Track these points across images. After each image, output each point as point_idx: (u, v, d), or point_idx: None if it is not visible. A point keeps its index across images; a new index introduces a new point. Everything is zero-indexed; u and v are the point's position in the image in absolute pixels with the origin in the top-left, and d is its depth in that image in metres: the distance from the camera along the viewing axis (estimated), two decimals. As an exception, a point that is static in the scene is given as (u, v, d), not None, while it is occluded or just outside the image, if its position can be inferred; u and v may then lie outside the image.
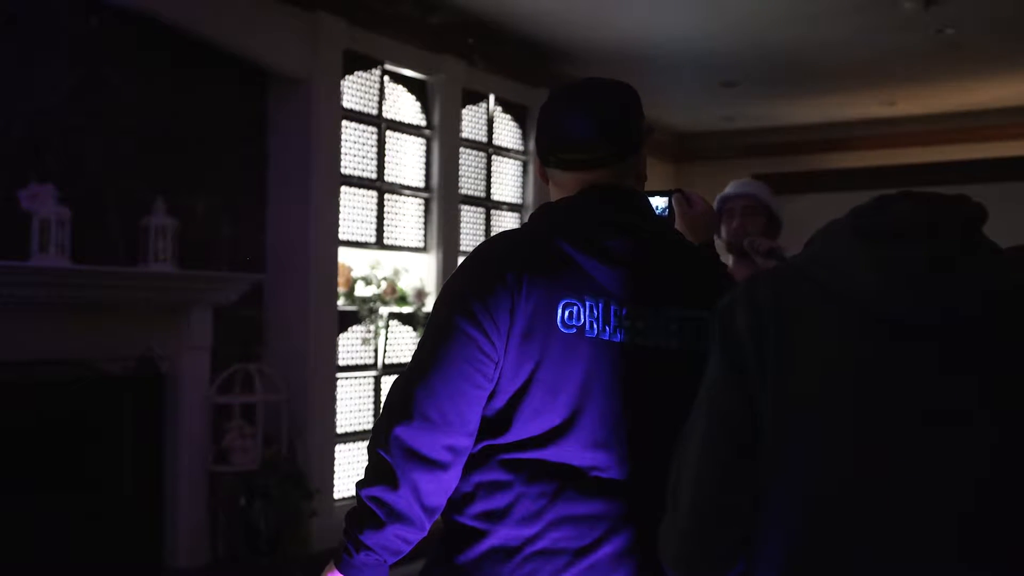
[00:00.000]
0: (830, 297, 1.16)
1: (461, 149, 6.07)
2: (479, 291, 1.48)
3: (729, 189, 3.03)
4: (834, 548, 1.11)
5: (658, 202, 1.73)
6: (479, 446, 1.50)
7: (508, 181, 6.59)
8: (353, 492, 5.46)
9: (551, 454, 1.47)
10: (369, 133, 5.46)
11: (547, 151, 1.62)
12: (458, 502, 1.51)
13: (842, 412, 1.13)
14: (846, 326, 1.14)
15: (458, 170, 6.00)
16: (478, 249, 1.58)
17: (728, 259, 2.97)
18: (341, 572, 1.49)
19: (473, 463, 1.50)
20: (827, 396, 1.14)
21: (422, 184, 5.81)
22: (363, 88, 5.42)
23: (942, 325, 1.09)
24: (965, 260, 1.10)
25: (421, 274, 5.77)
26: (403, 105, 5.73)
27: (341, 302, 5.23)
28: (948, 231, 1.11)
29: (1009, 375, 1.06)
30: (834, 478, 1.12)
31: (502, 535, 1.48)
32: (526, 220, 1.59)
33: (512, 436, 1.48)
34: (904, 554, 1.08)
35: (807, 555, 1.13)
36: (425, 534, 1.50)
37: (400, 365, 5.61)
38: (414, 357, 1.51)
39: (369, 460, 1.50)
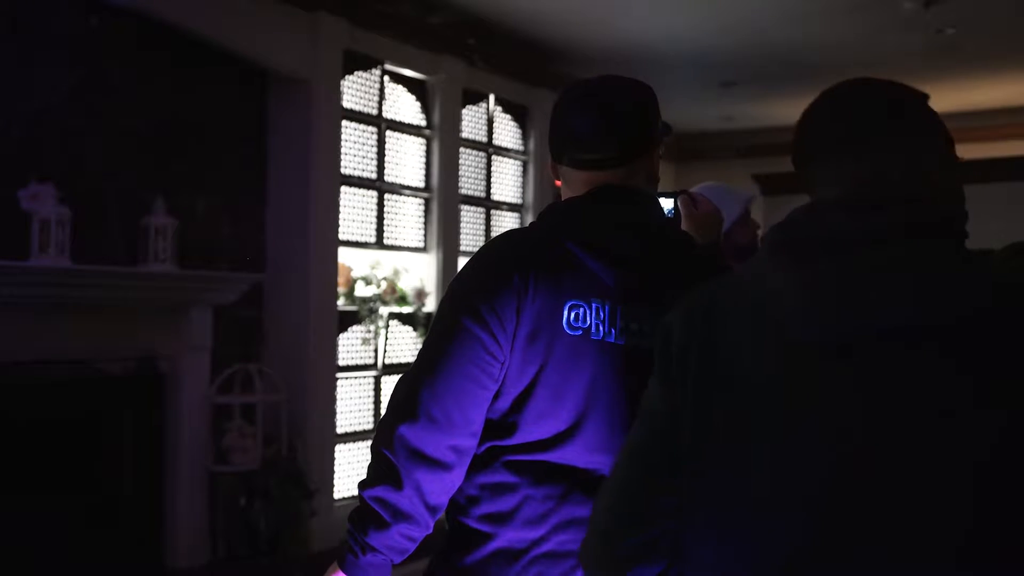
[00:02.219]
0: (758, 315, 1.15)
1: (461, 149, 6.07)
2: (485, 291, 1.47)
3: (737, 195, 2.99)
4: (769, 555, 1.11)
5: (664, 204, 1.72)
6: (484, 447, 1.49)
7: (508, 181, 6.59)
8: (353, 492, 5.44)
9: (557, 456, 1.47)
10: (369, 133, 5.46)
11: (559, 149, 1.60)
12: (463, 504, 1.51)
13: (765, 432, 1.12)
14: (771, 345, 1.13)
15: (458, 170, 6.00)
16: (484, 249, 1.57)
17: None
18: (346, 573, 1.49)
19: (478, 464, 1.50)
20: (751, 417, 1.13)
21: (422, 184, 5.81)
22: (363, 88, 5.42)
23: (867, 341, 1.06)
24: (904, 270, 1.07)
25: (421, 274, 5.77)
26: (403, 105, 5.73)
27: (341, 302, 5.23)
28: (890, 240, 1.08)
29: (937, 393, 1.04)
30: (749, 502, 1.12)
31: (508, 537, 1.47)
32: (526, 220, 1.59)
33: (517, 438, 1.47)
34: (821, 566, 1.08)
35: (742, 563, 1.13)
36: (430, 531, 1.50)
37: (400, 365, 5.61)
38: (419, 356, 1.51)
39: (372, 459, 1.49)
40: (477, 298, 1.47)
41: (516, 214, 6.61)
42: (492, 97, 6.38)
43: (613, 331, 1.47)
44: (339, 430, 5.26)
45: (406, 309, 5.59)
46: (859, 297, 1.07)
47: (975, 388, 1.04)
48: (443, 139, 5.86)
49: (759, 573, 1.11)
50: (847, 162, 1.20)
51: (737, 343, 1.16)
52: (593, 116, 1.56)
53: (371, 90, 5.47)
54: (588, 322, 1.47)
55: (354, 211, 5.36)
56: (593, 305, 1.47)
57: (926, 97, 1.27)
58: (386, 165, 5.56)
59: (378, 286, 5.38)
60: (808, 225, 1.14)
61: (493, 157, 6.44)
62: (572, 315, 1.46)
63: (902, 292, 1.06)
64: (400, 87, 5.71)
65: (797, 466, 1.09)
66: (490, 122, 6.40)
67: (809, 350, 1.09)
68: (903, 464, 1.04)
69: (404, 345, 5.70)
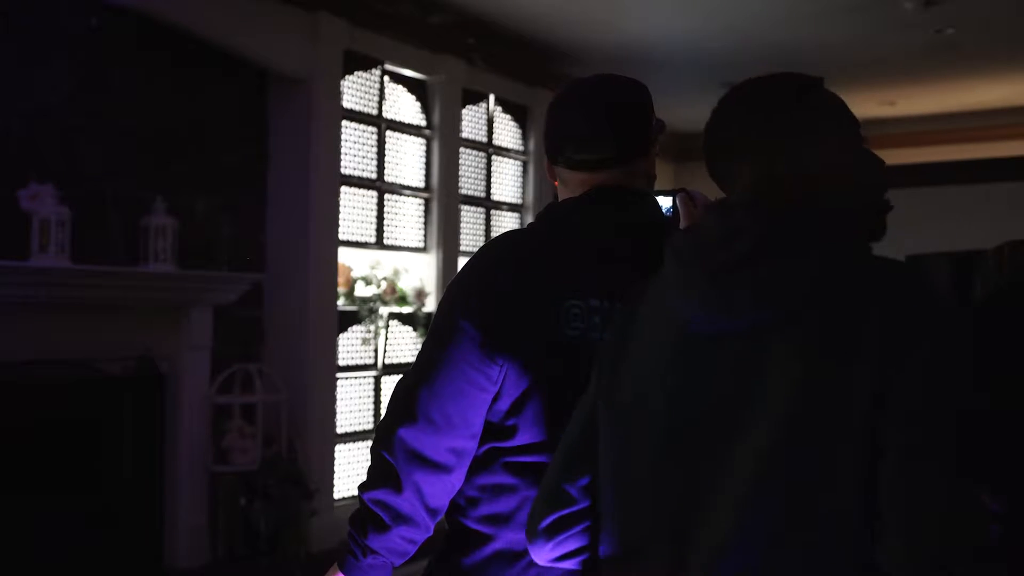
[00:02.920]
0: (657, 310, 1.25)
1: (461, 149, 6.07)
2: (483, 292, 1.47)
3: None
4: (635, 532, 1.21)
5: (663, 202, 1.72)
6: (484, 448, 1.49)
7: (508, 181, 6.59)
8: (353, 492, 5.42)
9: None
10: (369, 133, 5.46)
11: (556, 150, 1.60)
12: (463, 505, 1.51)
13: (645, 423, 1.21)
14: (658, 337, 1.23)
15: (458, 170, 6.00)
16: (482, 250, 1.57)
17: None
18: (346, 575, 1.49)
19: (478, 465, 1.49)
20: (637, 405, 1.23)
21: (422, 184, 5.81)
22: (363, 88, 5.42)
23: (732, 331, 1.14)
24: (750, 266, 1.13)
25: (421, 274, 5.77)
26: (403, 105, 5.73)
27: (341, 302, 5.23)
28: (741, 240, 1.15)
29: (784, 379, 1.09)
30: (638, 490, 1.21)
31: (507, 539, 1.47)
32: (527, 220, 1.59)
33: (517, 440, 1.47)
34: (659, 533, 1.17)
35: (621, 537, 1.23)
36: (430, 534, 1.50)
37: (400, 365, 5.61)
38: (418, 358, 1.51)
39: (372, 462, 1.50)
40: (475, 299, 1.47)
41: (516, 214, 6.61)
42: (492, 97, 6.38)
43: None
44: (339, 430, 5.26)
45: (406, 309, 5.59)
46: (714, 295, 1.16)
47: (758, 391, 1.10)
48: (443, 139, 5.86)
49: (633, 552, 1.21)
50: (732, 165, 1.26)
51: (641, 335, 1.26)
52: (591, 116, 1.56)
53: (371, 90, 5.47)
54: (586, 322, 1.46)
55: (354, 211, 5.36)
56: (591, 304, 1.47)
57: (818, 84, 1.29)
58: (386, 165, 5.56)
59: (378, 286, 5.38)
60: (689, 230, 1.27)
61: (493, 157, 6.44)
62: (570, 315, 1.46)
63: (746, 290, 1.13)
64: (400, 87, 5.71)
65: (667, 452, 1.18)
66: (490, 122, 6.40)
67: (682, 341, 1.19)
68: (696, 464, 1.14)
69: (404, 345, 5.70)
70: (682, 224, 1.74)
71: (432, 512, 1.47)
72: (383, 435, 1.47)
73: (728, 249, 1.15)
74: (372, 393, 5.52)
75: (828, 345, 1.08)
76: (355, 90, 5.36)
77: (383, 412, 1.52)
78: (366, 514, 1.47)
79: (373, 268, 5.38)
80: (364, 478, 1.51)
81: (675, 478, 1.16)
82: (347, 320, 5.32)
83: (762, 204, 1.19)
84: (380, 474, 1.47)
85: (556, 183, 1.64)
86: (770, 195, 1.21)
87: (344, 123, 5.24)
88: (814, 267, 1.11)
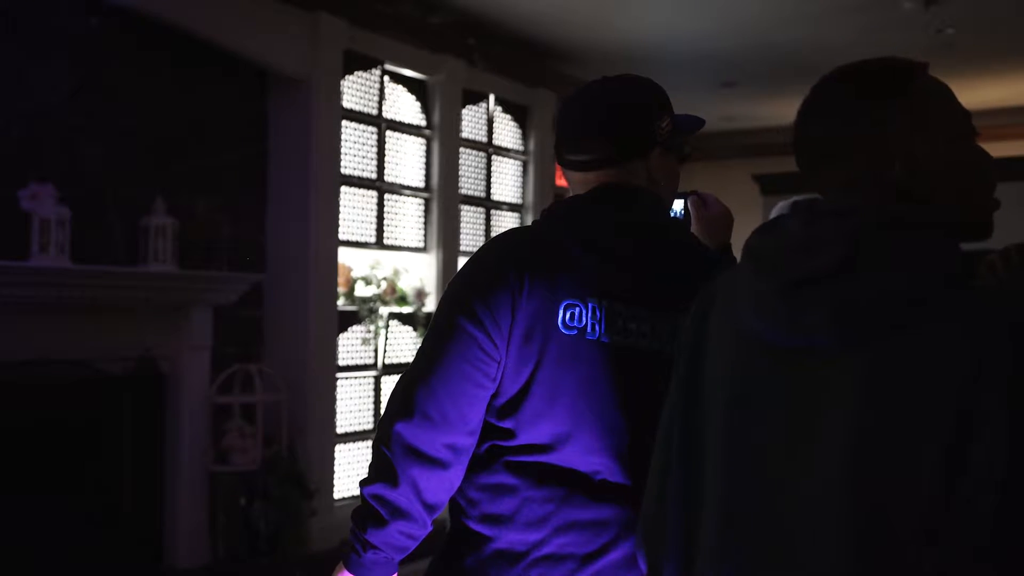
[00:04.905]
0: (727, 315, 1.18)
1: (461, 149, 6.07)
2: (481, 290, 1.47)
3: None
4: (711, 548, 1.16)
5: (674, 204, 1.72)
6: (484, 447, 1.50)
7: (508, 181, 6.59)
8: (353, 492, 5.42)
9: (556, 458, 1.47)
10: (369, 133, 5.46)
11: (556, 151, 1.63)
12: (463, 505, 1.51)
13: (714, 432, 1.17)
14: (728, 345, 1.17)
15: (458, 170, 6.00)
16: (482, 248, 1.58)
17: None
18: (350, 572, 1.50)
19: (479, 465, 1.50)
20: (709, 415, 1.18)
21: (422, 184, 5.81)
22: (363, 88, 5.42)
23: (805, 348, 1.06)
24: (829, 283, 1.04)
25: (421, 274, 5.77)
26: (403, 105, 5.73)
27: (341, 302, 5.23)
28: (824, 253, 1.05)
29: (850, 408, 1.02)
30: (718, 495, 1.16)
31: (508, 539, 1.47)
32: (526, 220, 1.60)
33: (517, 439, 1.48)
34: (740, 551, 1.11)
35: (684, 553, 1.20)
36: (429, 530, 1.50)
37: (400, 365, 5.61)
38: (417, 355, 1.52)
39: (372, 457, 1.51)
40: (473, 297, 1.47)
41: (516, 214, 6.61)
42: (492, 97, 6.38)
43: (609, 331, 1.47)
44: (339, 430, 5.26)
45: (406, 309, 5.59)
46: (785, 310, 1.07)
47: (878, 405, 1.01)
48: (443, 139, 5.86)
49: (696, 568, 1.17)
50: (830, 162, 1.15)
51: (714, 341, 1.20)
52: (583, 117, 1.58)
53: (371, 90, 5.47)
54: (584, 322, 1.46)
55: (354, 211, 5.36)
56: (590, 305, 1.47)
57: (925, 68, 1.16)
58: (386, 165, 5.56)
59: (378, 286, 5.38)
60: (769, 231, 1.15)
61: (493, 157, 6.44)
62: (568, 315, 1.46)
63: (820, 306, 1.04)
64: (400, 87, 5.71)
65: (727, 472, 1.14)
66: (490, 122, 6.40)
67: (746, 354, 1.13)
68: (760, 476, 1.09)
69: (404, 345, 5.70)
70: (693, 227, 1.73)
71: (429, 508, 1.47)
72: (382, 431, 1.49)
73: (808, 261, 1.05)
74: (372, 393, 5.51)
75: (906, 376, 0.99)
76: (355, 90, 5.36)
77: (383, 411, 1.53)
78: (365, 509, 1.49)
79: (373, 268, 5.38)
80: (366, 474, 1.52)
81: (736, 499, 1.12)
82: (347, 320, 5.32)
83: (856, 215, 1.06)
84: (378, 469, 1.48)
85: (565, 183, 1.67)
86: (872, 196, 1.09)
87: (344, 123, 5.24)
88: (898, 291, 1.01)
